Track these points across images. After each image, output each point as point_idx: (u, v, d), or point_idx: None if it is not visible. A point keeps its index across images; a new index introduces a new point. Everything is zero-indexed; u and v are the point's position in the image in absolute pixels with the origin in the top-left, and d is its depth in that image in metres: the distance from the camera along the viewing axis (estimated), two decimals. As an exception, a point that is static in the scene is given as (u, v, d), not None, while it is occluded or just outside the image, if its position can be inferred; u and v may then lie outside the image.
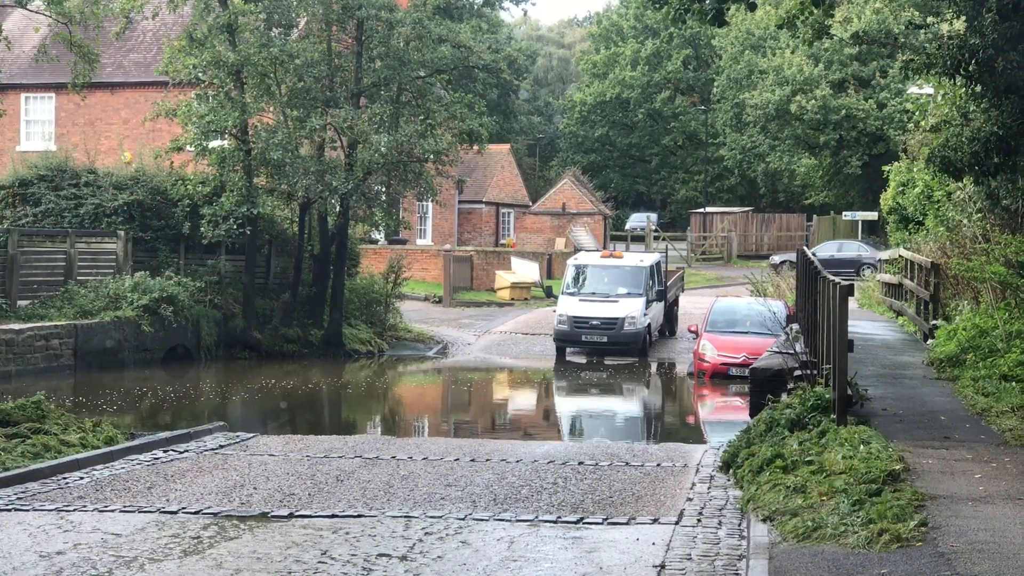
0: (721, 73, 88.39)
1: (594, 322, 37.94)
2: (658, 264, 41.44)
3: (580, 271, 40.39)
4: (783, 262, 64.30)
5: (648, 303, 38.90)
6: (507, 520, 13.66)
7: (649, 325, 38.79)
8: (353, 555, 12.08)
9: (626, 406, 31.93)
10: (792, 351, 20.19)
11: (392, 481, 16.02)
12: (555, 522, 13.61)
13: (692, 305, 45.84)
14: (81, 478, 15.91)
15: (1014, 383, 19.03)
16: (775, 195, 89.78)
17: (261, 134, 36.08)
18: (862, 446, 14.01)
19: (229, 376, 33.11)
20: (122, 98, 49.37)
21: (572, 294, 39.19)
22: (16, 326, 30.24)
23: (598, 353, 38.39)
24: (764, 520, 12.30)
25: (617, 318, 37.95)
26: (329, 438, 20.96)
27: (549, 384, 35.42)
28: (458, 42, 39.43)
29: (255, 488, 15.46)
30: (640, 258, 41.81)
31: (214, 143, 36.38)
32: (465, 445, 20.23)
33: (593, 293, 39.08)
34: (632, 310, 38.17)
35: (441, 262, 53.93)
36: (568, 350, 39.02)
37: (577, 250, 54.87)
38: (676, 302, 44.34)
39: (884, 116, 74.04)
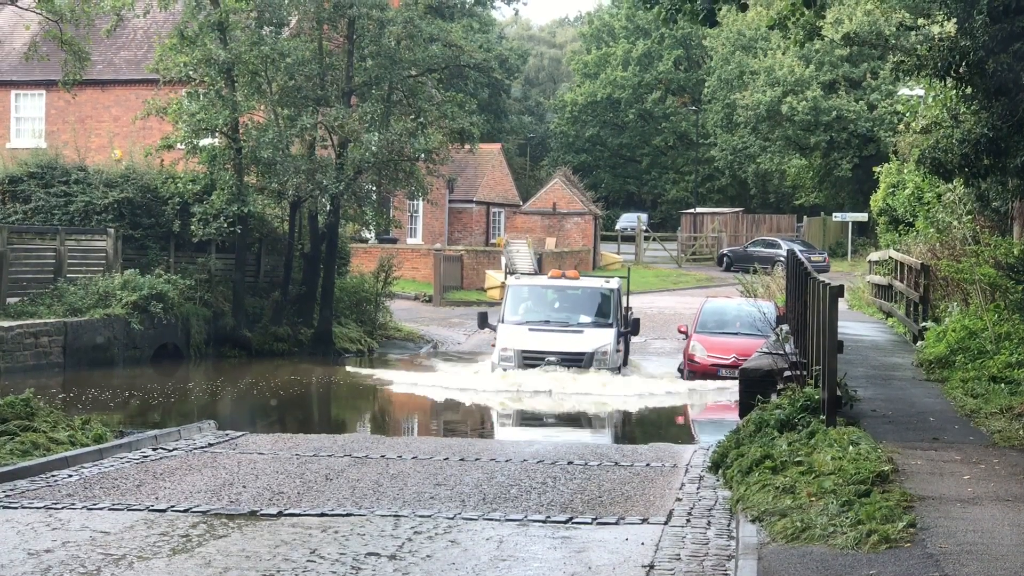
0: (712, 74, 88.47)
1: (552, 358, 30.80)
2: (619, 291, 33.57)
3: (526, 295, 33.27)
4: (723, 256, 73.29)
5: (619, 335, 32.23)
6: (496, 520, 13.65)
7: (620, 366, 32.17)
8: (342, 554, 12.07)
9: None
10: (782, 352, 20.21)
11: (381, 480, 16.01)
12: (544, 522, 13.60)
13: (682, 305, 45.80)
14: (70, 476, 15.87)
15: (1003, 384, 19.09)
16: (766, 196, 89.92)
17: (252, 132, 36.08)
18: (851, 447, 14.03)
19: (218, 374, 33.08)
20: (112, 96, 49.29)
21: (519, 323, 32.03)
22: (5, 323, 30.16)
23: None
24: (753, 520, 12.30)
25: (583, 352, 30.97)
26: (318, 436, 20.92)
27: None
28: (449, 41, 39.44)
29: (244, 486, 15.44)
30: (604, 280, 34.70)
31: (204, 141, 36.38)
32: (454, 444, 20.23)
33: (547, 321, 32.13)
34: (602, 342, 31.30)
35: (431, 261, 53.92)
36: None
37: (511, 273, 46.08)
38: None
39: (875, 117, 74.26)
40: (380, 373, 34.21)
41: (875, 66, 75.51)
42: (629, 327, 33.25)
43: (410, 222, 63.40)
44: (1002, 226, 27.63)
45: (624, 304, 33.71)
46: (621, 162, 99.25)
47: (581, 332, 31.67)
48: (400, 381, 32.78)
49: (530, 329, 31.70)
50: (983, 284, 23.98)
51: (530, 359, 30.93)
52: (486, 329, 33.56)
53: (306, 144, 37.30)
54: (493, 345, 32.44)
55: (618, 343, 31.91)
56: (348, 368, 35.31)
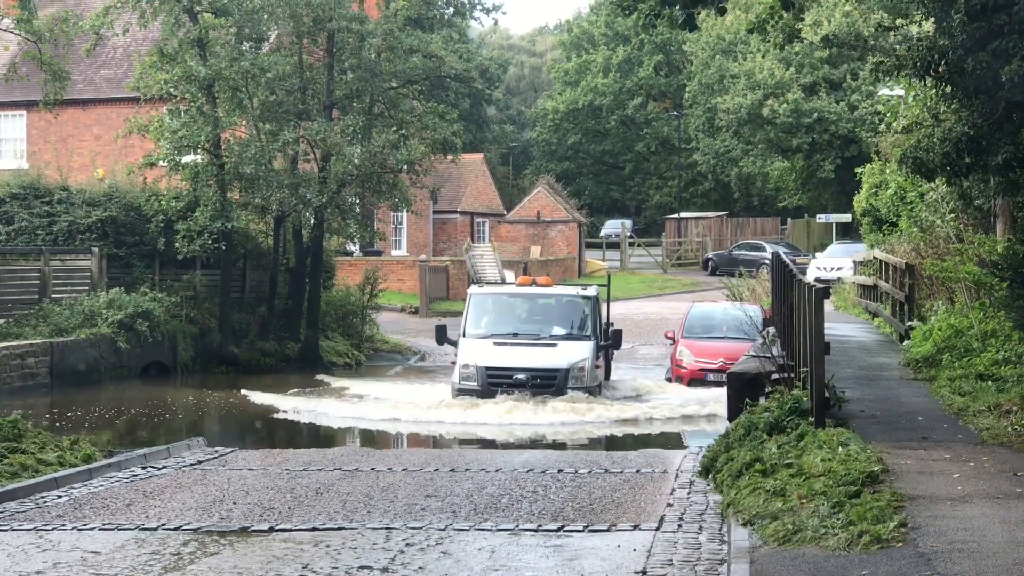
0: (693, 78, 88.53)
1: (521, 376, 27.25)
2: (597, 299, 29.96)
3: (490, 305, 29.75)
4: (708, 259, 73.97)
5: (598, 349, 28.66)
6: (488, 530, 13.66)
7: (600, 384, 28.66)
8: (334, 568, 12.06)
9: None
10: (769, 355, 20.22)
11: (372, 493, 16.00)
12: (536, 530, 13.60)
13: (668, 311, 45.80)
14: (59, 497, 15.83)
15: (990, 382, 19.13)
16: (749, 199, 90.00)
17: (234, 148, 36.05)
18: (840, 448, 14.04)
19: (206, 391, 32.97)
20: (94, 115, 49.17)
21: (482, 336, 28.39)
22: (-9, 345, 30.13)
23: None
24: (744, 524, 12.31)
25: (557, 368, 27.36)
26: (308, 451, 20.93)
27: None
28: (429, 52, 39.49)
29: (235, 503, 15.42)
30: (580, 287, 31.14)
31: (187, 158, 36.33)
32: (444, 455, 20.26)
33: (514, 334, 28.54)
34: (578, 357, 27.67)
35: (417, 272, 53.87)
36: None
37: (475, 282, 41.74)
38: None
39: (856, 118, 74.37)
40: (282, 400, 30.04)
41: (855, 67, 75.65)
42: (610, 339, 29.80)
43: (394, 234, 63.32)
44: (985, 224, 27.67)
45: (604, 314, 30.78)
46: (604, 169, 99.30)
47: (554, 346, 28.15)
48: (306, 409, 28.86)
49: (495, 343, 28.05)
50: (968, 282, 24.02)
51: (495, 377, 27.32)
52: (445, 344, 29.50)
53: (289, 158, 37.29)
54: (453, 363, 28.78)
55: (597, 357, 28.43)
56: (244, 391, 31.19)
